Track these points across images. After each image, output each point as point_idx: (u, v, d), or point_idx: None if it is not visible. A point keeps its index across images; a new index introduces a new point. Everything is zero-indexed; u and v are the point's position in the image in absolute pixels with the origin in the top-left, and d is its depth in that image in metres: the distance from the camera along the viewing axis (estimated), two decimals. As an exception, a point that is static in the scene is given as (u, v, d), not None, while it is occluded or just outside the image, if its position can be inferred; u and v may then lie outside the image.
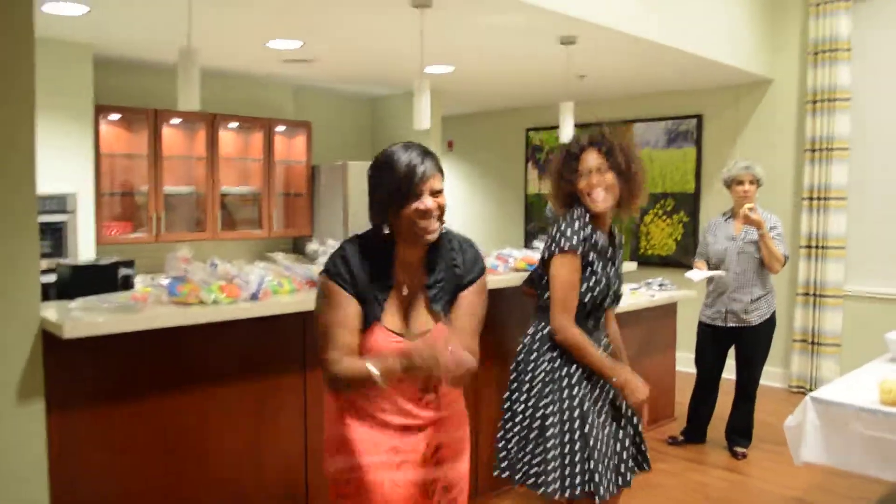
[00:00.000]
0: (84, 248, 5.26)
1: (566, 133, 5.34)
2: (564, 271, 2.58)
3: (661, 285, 5.20)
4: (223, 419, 2.88)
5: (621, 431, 2.70)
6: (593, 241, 2.60)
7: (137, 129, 5.91)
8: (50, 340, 2.40)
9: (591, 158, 2.61)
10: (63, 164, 5.12)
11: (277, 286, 3.04)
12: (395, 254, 2.01)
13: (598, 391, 2.63)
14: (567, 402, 2.57)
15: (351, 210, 6.51)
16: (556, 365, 2.61)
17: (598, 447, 2.56)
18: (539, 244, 4.18)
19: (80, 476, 2.51)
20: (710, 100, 6.82)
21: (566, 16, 4.25)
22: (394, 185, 1.92)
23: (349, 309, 1.94)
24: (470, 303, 2.05)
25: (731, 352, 4.67)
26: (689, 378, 4.94)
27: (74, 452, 2.50)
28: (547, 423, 2.57)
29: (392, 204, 1.93)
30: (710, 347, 4.67)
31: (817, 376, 5.98)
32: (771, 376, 6.09)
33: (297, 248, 7.06)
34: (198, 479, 2.81)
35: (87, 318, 2.42)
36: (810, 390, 5.93)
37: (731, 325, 4.50)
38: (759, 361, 4.57)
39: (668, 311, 5.25)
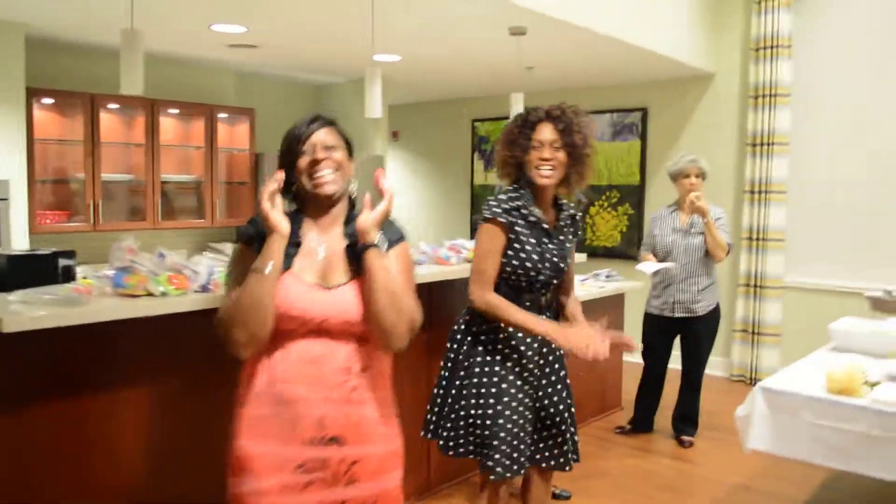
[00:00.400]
0: (17, 238, 5.04)
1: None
2: (483, 239, 2.60)
3: (608, 276, 5.25)
4: (174, 413, 2.78)
5: (538, 423, 2.72)
6: (523, 212, 2.59)
7: (73, 114, 5.68)
8: (-13, 335, 2.27)
9: (546, 132, 2.59)
10: (-7, 150, 4.89)
11: (228, 277, 2.95)
12: (305, 216, 2.05)
13: (520, 377, 2.64)
14: (486, 378, 2.60)
15: (296, 199, 6.37)
16: (482, 339, 2.63)
17: (504, 426, 2.56)
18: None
19: (22, 477, 2.39)
20: (655, 93, 6.91)
21: (516, 5, 4.23)
22: (284, 149, 2.03)
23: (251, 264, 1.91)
24: (393, 266, 1.97)
25: (677, 342, 4.74)
26: (635, 368, 5.00)
27: (16, 452, 2.38)
28: (464, 393, 2.61)
29: (288, 166, 2.00)
30: (657, 338, 4.73)
31: (758, 365, 6.14)
32: (713, 365, 6.16)
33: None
34: (149, 475, 2.71)
35: (28, 311, 2.30)
36: (751, 379, 6.11)
37: (678, 315, 4.57)
38: (706, 351, 4.65)
39: (616, 302, 5.30)
